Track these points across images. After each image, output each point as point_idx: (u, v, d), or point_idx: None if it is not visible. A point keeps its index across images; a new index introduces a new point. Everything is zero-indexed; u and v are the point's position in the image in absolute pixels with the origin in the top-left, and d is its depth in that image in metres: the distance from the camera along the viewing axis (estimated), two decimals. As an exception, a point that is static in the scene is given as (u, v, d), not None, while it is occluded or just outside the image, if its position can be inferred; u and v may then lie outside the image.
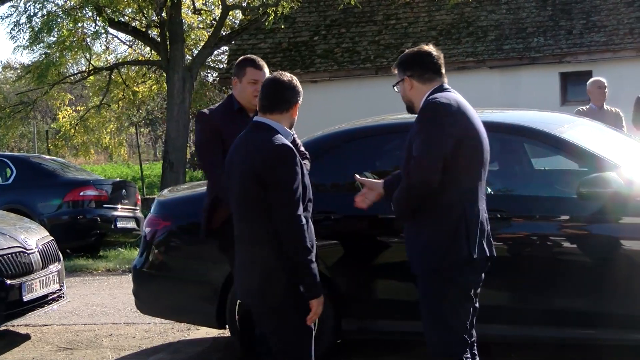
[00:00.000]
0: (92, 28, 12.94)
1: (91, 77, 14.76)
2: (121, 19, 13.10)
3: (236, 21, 15.29)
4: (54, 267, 5.23)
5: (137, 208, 9.71)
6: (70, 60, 14.17)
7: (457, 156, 2.87)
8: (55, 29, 12.03)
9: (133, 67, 15.32)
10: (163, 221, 4.44)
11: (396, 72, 3.09)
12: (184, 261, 4.46)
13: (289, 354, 2.85)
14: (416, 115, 3.02)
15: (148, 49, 14.59)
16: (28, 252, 4.98)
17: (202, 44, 14.01)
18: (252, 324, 3.14)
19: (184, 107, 12.71)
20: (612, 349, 3.88)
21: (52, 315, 5.78)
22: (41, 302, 5.03)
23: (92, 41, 13.12)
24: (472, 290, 2.96)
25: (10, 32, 12.54)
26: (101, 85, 15.08)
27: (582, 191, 3.64)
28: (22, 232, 5.19)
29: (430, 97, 2.96)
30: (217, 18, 14.13)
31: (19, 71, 16.24)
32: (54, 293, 5.18)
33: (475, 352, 3.02)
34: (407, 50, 3.15)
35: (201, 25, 15.13)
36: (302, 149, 3.57)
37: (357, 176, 3.37)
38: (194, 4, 14.84)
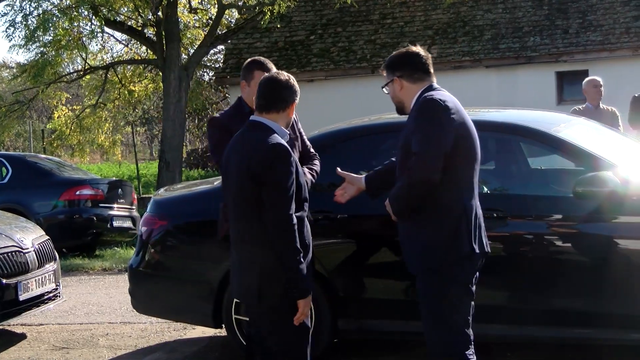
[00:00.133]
0: (88, 27, 12.92)
1: (87, 76, 14.71)
2: (117, 18, 13.06)
3: (232, 20, 15.27)
4: (50, 266, 5.22)
5: (133, 207, 9.69)
6: (66, 60, 14.12)
7: (455, 153, 2.90)
8: (51, 28, 11.99)
9: (129, 66, 15.28)
10: (159, 220, 4.43)
11: (385, 74, 3.12)
12: (181, 260, 4.46)
13: (286, 354, 2.85)
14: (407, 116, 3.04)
15: (144, 48, 14.55)
16: (24, 251, 4.97)
17: (198, 43, 13.97)
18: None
19: (180, 106, 12.69)
20: (611, 348, 3.89)
21: (48, 315, 5.77)
22: (37, 301, 5.02)
23: (88, 40, 13.08)
24: (472, 285, 2.98)
25: (6, 31, 12.52)
26: (97, 85, 15.04)
27: (579, 190, 3.65)
28: (18, 231, 5.18)
29: (425, 94, 2.99)
30: (213, 17, 14.10)
31: (14, 70, 16.19)
32: (50, 292, 5.17)
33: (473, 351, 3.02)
34: (394, 52, 3.18)
35: (197, 24, 15.10)
36: (312, 150, 3.55)
37: (339, 169, 3.38)
38: (190, 3, 14.82)
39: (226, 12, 13.79)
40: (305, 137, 3.61)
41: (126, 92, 15.05)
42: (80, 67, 15.30)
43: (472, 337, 2.98)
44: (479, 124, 3.96)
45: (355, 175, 3.35)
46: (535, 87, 12.26)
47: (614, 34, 12.28)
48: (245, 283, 2.85)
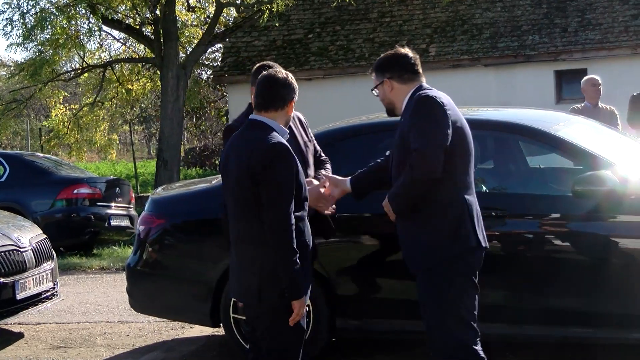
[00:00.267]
0: (85, 25, 12.89)
1: (84, 75, 14.69)
2: (115, 16, 13.03)
3: (230, 19, 15.25)
4: (48, 265, 5.20)
5: (131, 206, 9.67)
6: (63, 58, 14.09)
7: (451, 149, 2.92)
8: (49, 26, 11.96)
9: (127, 65, 15.25)
10: (157, 219, 4.42)
11: (374, 76, 3.13)
12: (178, 259, 4.45)
13: (279, 354, 2.84)
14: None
15: (142, 46, 14.53)
16: (21, 250, 4.96)
17: (196, 41, 13.95)
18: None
19: (178, 105, 12.67)
20: (611, 348, 3.88)
21: (45, 314, 5.76)
22: (34, 300, 5.00)
23: (86, 39, 13.06)
24: (475, 278, 3.00)
25: (3, 29, 12.50)
26: (94, 83, 15.01)
27: (577, 189, 3.64)
28: (16, 230, 5.17)
29: (418, 92, 3.01)
30: (211, 15, 14.09)
31: (12, 68, 16.15)
32: (48, 291, 5.16)
33: None
34: (383, 54, 3.20)
35: (195, 23, 15.08)
36: (323, 155, 3.55)
37: (322, 172, 3.40)
38: (187, 1, 14.79)
39: (224, 10, 13.78)
40: (315, 142, 3.59)
41: (124, 90, 15.03)
42: (77, 65, 15.28)
43: (479, 332, 3.00)
44: (477, 122, 3.98)
45: (339, 178, 3.36)
46: (533, 85, 12.26)
47: (613, 32, 12.28)
48: (245, 283, 2.84)
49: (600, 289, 3.72)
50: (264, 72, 2.98)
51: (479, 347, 2.97)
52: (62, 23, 12.09)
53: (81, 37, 12.96)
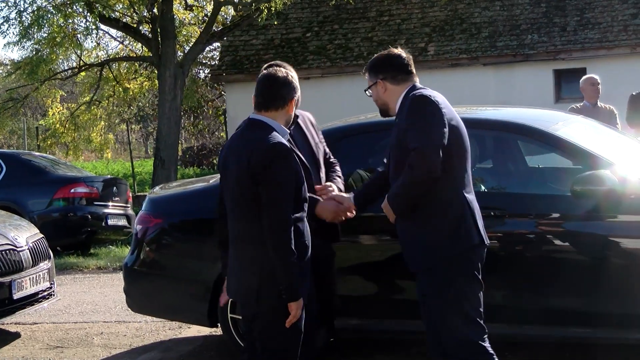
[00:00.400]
0: (82, 24, 12.86)
1: (82, 74, 14.65)
2: (112, 14, 12.99)
3: (228, 17, 15.22)
4: (45, 264, 5.19)
5: (128, 205, 9.64)
6: (60, 57, 14.05)
7: (448, 147, 2.93)
8: (46, 25, 11.92)
9: (124, 64, 15.21)
10: (154, 219, 4.41)
11: (367, 77, 3.13)
12: (176, 259, 4.43)
13: (275, 355, 2.83)
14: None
15: (139, 45, 14.50)
16: (18, 249, 4.94)
17: (194, 40, 13.92)
18: None
19: (175, 104, 12.64)
20: (611, 348, 3.87)
21: (42, 314, 5.74)
22: (31, 300, 4.99)
23: (83, 37, 13.02)
24: (479, 274, 3.00)
25: (0, 28, 12.43)
26: (92, 82, 14.97)
27: (576, 189, 3.63)
28: (12, 229, 5.15)
29: (413, 92, 3.02)
30: (208, 14, 14.05)
31: (8, 67, 16.11)
32: (44, 291, 5.14)
33: None
34: (376, 55, 3.20)
35: (193, 21, 15.04)
36: (332, 157, 3.53)
37: (323, 198, 3.32)
38: (185, 0, 14.76)
39: (222, 9, 13.74)
40: (324, 143, 3.56)
41: (121, 89, 14.99)
42: (74, 64, 15.23)
43: (486, 329, 2.99)
44: (476, 122, 3.97)
45: (345, 196, 3.34)
46: (532, 85, 12.26)
47: (612, 31, 12.27)
48: (245, 283, 2.83)
49: (599, 288, 3.71)
50: (264, 71, 2.96)
51: (487, 344, 2.97)
52: (59, 21, 12.05)
53: (78, 35, 12.93)
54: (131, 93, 15.53)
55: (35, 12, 11.93)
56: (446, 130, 2.91)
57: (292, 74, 2.94)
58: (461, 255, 2.97)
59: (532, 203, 3.85)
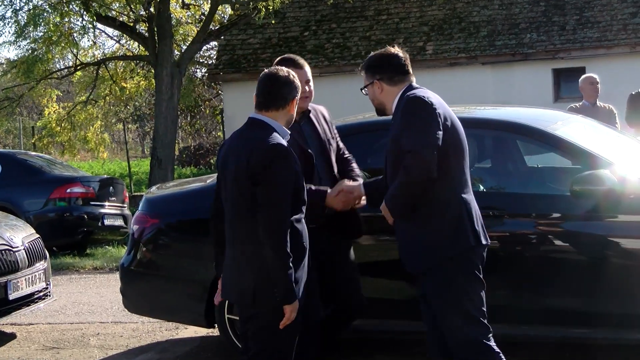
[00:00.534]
0: (79, 23, 12.82)
1: (78, 73, 14.60)
2: (109, 13, 12.95)
3: (225, 16, 15.18)
4: (40, 265, 5.16)
5: (125, 205, 9.61)
6: (57, 56, 14.00)
7: (444, 147, 2.92)
8: (42, 24, 11.88)
9: (121, 63, 15.17)
10: (151, 219, 4.39)
11: (363, 75, 3.12)
12: (173, 259, 4.41)
13: (270, 356, 2.82)
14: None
15: (136, 44, 14.46)
16: (14, 249, 4.92)
17: (191, 39, 13.89)
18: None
19: (172, 103, 12.61)
20: (610, 349, 3.86)
21: (38, 314, 5.72)
22: (27, 300, 4.97)
23: (79, 36, 12.98)
24: (479, 273, 2.99)
25: (-4, 26, 12.38)
26: (88, 81, 14.93)
27: (576, 189, 3.62)
28: (8, 229, 5.12)
29: (408, 93, 3.01)
30: (206, 13, 14.02)
31: (4, 66, 16.06)
32: (40, 291, 5.12)
33: None
34: (372, 53, 3.18)
35: (190, 20, 15.01)
36: (347, 153, 3.50)
37: (331, 192, 3.31)
38: (182, -2, 14.73)
39: (219, 7, 13.71)
40: (339, 139, 3.54)
41: (117, 88, 14.95)
42: (71, 63, 15.19)
43: (490, 328, 2.99)
44: (475, 121, 3.96)
45: (353, 184, 3.32)
46: (531, 84, 12.24)
47: (612, 30, 12.26)
48: (240, 283, 2.81)
49: (599, 289, 3.70)
50: (265, 70, 2.95)
51: (492, 343, 2.97)
52: (55, 20, 12.00)
53: (74, 34, 12.89)
54: (128, 92, 15.49)
55: (31, 11, 11.88)
56: (441, 131, 2.91)
57: (293, 74, 2.92)
58: (461, 255, 2.97)
59: (531, 203, 3.84)
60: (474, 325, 2.95)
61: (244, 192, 2.77)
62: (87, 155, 20.03)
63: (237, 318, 3.60)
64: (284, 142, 2.81)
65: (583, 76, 6.73)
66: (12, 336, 5.20)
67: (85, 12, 12.09)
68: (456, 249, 2.95)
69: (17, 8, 12.20)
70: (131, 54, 15.01)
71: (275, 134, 2.81)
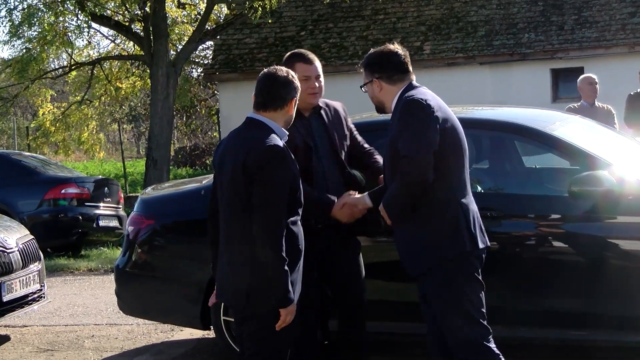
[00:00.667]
0: (74, 22, 12.76)
1: (73, 73, 14.55)
2: (104, 12, 12.90)
3: (221, 16, 15.15)
4: (35, 266, 5.14)
5: (120, 206, 9.58)
6: (51, 55, 13.95)
7: (442, 149, 2.91)
8: (36, 23, 11.83)
9: (116, 63, 15.11)
10: (146, 220, 4.37)
11: (362, 72, 3.11)
12: (168, 261, 4.39)
13: (267, 358, 2.80)
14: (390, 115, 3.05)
15: (131, 44, 14.41)
16: (8, 251, 4.89)
17: (187, 38, 13.85)
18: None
19: (167, 103, 12.56)
20: (609, 350, 3.84)
21: (32, 316, 5.69)
22: (21, 302, 4.94)
23: (74, 36, 12.92)
24: (478, 275, 2.99)
25: (-10, 26, 12.31)
26: (83, 81, 14.87)
27: (574, 190, 3.60)
28: (2, 230, 5.09)
29: (406, 95, 3.00)
30: (201, 12, 13.98)
31: (-2, 66, 15.98)
32: (35, 293, 5.09)
33: None
34: (372, 50, 3.16)
35: (185, 20, 14.97)
36: (367, 145, 3.47)
37: (337, 205, 3.26)
38: (178, -2, 14.67)
39: (215, 7, 13.67)
40: (356, 133, 3.48)
41: (113, 88, 14.89)
42: (65, 63, 15.12)
43: (490, 329, 2.98)
44: (472, 122, 3.93)
45: (357, 197, 3.28)
46: (529, 84, 12.24)
47: (610, 30, 12.26)
48: (235, 284, 2.79)
49: (597, 290, 3.68)
50: (264, 70, 2.92)
51: (492, 344, 2.96)
52: (50, 19, 11.95)
53: (69, 34, 12.83)
54: (123, 93, 15.43)
55: (26, 10, 11.83)
56: (437, 134, 2.90)
57: (293, 74, 2.90)
58: (460, 255, 2.96)
59: (529, 204, 3.82)
60: (473, 326, 2.94)
61: (239, 192, 2.75)
62: (82, 155, 19.96)
63: (233, 320, 3.59)
64: (281, 144, 2.79)
65: (581, 76, 6.72)
66: (5, 338, 5.17)
67: (80, 12, 12.04)
68: (453, 251, 2.95)
69: (12, 7, 12.16)
70: (126, 54, 14.95)
71: (273, 135, 2.79)
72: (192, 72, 19.11)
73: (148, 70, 13.31)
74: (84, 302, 6.35)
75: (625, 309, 3.63)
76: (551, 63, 12.38)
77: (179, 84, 14.20)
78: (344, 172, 3.35)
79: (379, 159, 3.46)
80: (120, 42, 15.40)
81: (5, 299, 4.75)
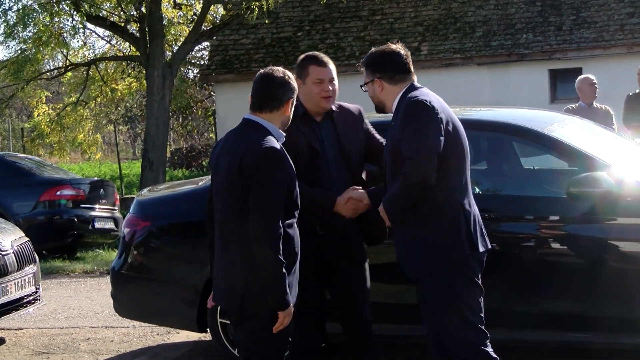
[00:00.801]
0: (69, 23, 12.72)
1: (68, 74, 14.50)
2: (99, 13, 12.86)
3: (217, 16, 15.12)
4: (30, 268, 5.11)
5: (116, 208, 9.54)
6: (46, 56, 13.90)
7: (445, 152, 2.89)
8: (31, 24, 11.79)
9: (112, 64, 15.07)
10: (142, 221, 4.35)
11: (363, 71, 3.08)
12: (164, 263, 4.38)
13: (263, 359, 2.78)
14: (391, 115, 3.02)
15: (127, 44, 14.37)
16: (3, 253, 4.87)
17: (183, 39, 13.81)
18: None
19: (163, 104, 12.53)
20: (608, 353, 3.82)
21: (27, 319, 5.66)
22: (16, 305, 4.91)
23: (69, 36, 12.87)
24: (478, 279, 2.98)
25: (-16, 27, 12.27)
26: (78, 82, 14.82)
27: (572, 191, 3.59)
28: (-4, 233, 5.05)
29: (409, 95, 2.97)
30: (197, 13, 13.95)
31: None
32: (30, 296, 5.06)
33: None
34: (373, 49, 3.14)
35: (181, 20, 14.93)
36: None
37: (342, 199, 3.23)
38: (174, -2, 14.64)
39: (211, 7, 13.64)
40: (375, 133, 3.41)
41: (108, 89, 14.85)
42: (60, 64, 15.07)
43: (488, 334, 2.97)
44: (470, 123, 3.90)
45: (360, 191, 3.24)
46: (527, 85, 12.23)
47: (608, 31, 12.26)
48: (231, 287, 2.77)
49: (595, 292, 3.67)
50: (261, 71, 2.90)
51: (489, 349, 2.95)
52: (45, 20, 11.91)
53: (64, 34, 12.78)
54: (119, 94, 15.39)
55: (21, 11, 11.79)
56: (442, 136, 2.88)
57: (289, 74, 2.87)
58: (458, 261, 2.95)
59: (527, 205, 3.81)
60: (471, 330, 2.94)
61: (235, 193, 2.74)
62: (78, 157, 19.91)
63: (230, 322, 3.56)
64: (278, 146, 2.77)
65: (581, 77, 6.69)
66: (1, 341, 5.14)
67: (75, 12, 12.00)
68: (453, 256, 2.93)
69: (6, 8, 12.11)
70: (122, 55, 14.91)
71: (269, 137, 2.77)
72: (189, 73, 19.09)
73: (144, 71, 13.26)
74: (79, 304, 6.32)
75: (623, 310, 3.62)
76: (549, 64, 12.37)
77: (175, 85, 14.17)
78: (354, 177, 3.28)
79: None
80: (116, 43, 15.36)
81: (0, 301, 4.73)
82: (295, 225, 2.80)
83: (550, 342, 3.80)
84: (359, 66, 3.14)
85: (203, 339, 4.80)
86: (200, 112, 20.66)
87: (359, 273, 3.34)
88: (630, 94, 6.64)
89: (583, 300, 3.69)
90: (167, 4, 14.20)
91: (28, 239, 5.32)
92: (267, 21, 12.78)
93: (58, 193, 8.82)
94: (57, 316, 5.88)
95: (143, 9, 12.26)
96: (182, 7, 14.78)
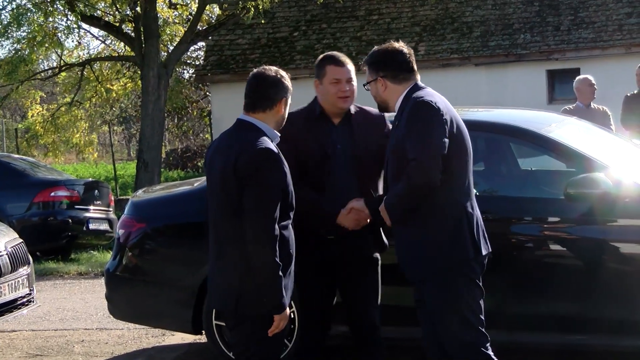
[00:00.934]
0: (63, 22, 12.67)
1: (62, 74, 14.44)
2: (94, 13, 12.81)
3: (213, 16, 15.08)
4: (24, 270, 5.07)
5: (110, 209, 9.51)
6: (41, 56, 13.84)
7: (448, 152, 2.88)
8: (25, 24, 11.73)
9: (107, 64, 15.01)
10: (137, 223, 4.33)
11: (366, 69, 3.06)
12: (159, 264, 4.35)
13: None
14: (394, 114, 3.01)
15: (122, 44, 14.32)
16: (-4, 255, 4.81)
17: (178, 39, 13.77)
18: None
19: (159, 105, 12.49)
20: (607, 355, 3.81)
21: (21, 321, 5.63)
22: (10, 307, 4.87)
23: (64, 36, 12.83)
24: (479, 281, 2.97)
25: (-22, 26, 12.20)
26: (73, 83, 14.76)
27: (570, 192, 3.58)
28: (-11, 234, 5.01)
29: (414, 95, 2.95)
30: (193, 12, 13.91)
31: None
32: (24, 297, 5.03)
33: None
34: (376, 48, 3.11)
35: (177, 20, 14.89)
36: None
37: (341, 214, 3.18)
38: (169, -2, 14.60)
39: (207, 7, 13.61)
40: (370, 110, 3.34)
41: (103, 90, 14.79)
42: (55, 64, 15.01)
43: (488, 336, 2.96)
44: (467, 123, 3.86)
45: (360, 202, 3.20)
46: (525, 85, 12.23)
47: (607, 31, 12.26)
48: (225, 288, 2.75)
49: (594, 293, 3.66)
50: (254, 70, 2.88)
51: (489, 352, 2.94)
52: (39, 20, 11.85)
53: (59, 34, 12.73)
54: (114, 94, 15.34)
55: (15, 10, 11.74)
56: (447, 138, 2.86)
57: (282, 74, 2.85)
58: (459, 263, 2.94)
59: (525, 206, 3.80)
60: (471, 332, 2.93)
61: (230, 194, 2.72)
62: (72, 157, 19.84)
63: (225, 324, 3.54)
64: (273, 146, 2.75)
65: (580, 77, 6.67)
66: (-6, 343, 5.12)
67: (69, 12, 11.95)
68: (455, 258, 2.92)
69: (0, 7, 12.07)
70: (117, 55, 14.86)
71: (263, 137, 2.75)
72: (184, 73, 19.06)
73: (139, 72, 13.22)
74: (73, 306, 6.29)
75: (622, 312, 3.61)
76: (547, 64, 12.37)
77: (170, 86, 14.13)
78: (364, 184, 3.21)
79: None
80: (111, 43, 15.31)
81: (-6, 303, 4.70)
82: (290, 226, 2.78)
83: (549, 344, 3.78)
84: (362, 65, 3.11)
85: (198, 341, 4.78)
86: (195, 113, 20.62)
87: (367, 275, 3.30)
88: (629, 94, 6.63)
89: (581, 301, 3.68)
90: (162, 3, 14.15)
91: (22, 240, 5.28)
92: (263, 21, 12.75)
93: (52, 194, 8.77)
94: (51, 318, 5.86)
95: (138, 9, 12.20)
96: (178, 6, 14.74)
